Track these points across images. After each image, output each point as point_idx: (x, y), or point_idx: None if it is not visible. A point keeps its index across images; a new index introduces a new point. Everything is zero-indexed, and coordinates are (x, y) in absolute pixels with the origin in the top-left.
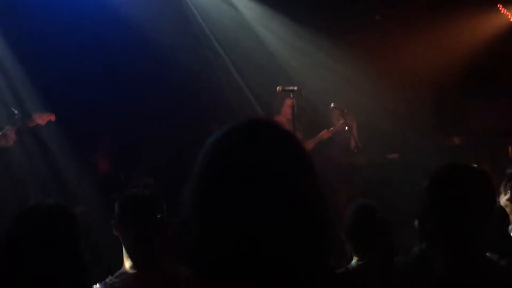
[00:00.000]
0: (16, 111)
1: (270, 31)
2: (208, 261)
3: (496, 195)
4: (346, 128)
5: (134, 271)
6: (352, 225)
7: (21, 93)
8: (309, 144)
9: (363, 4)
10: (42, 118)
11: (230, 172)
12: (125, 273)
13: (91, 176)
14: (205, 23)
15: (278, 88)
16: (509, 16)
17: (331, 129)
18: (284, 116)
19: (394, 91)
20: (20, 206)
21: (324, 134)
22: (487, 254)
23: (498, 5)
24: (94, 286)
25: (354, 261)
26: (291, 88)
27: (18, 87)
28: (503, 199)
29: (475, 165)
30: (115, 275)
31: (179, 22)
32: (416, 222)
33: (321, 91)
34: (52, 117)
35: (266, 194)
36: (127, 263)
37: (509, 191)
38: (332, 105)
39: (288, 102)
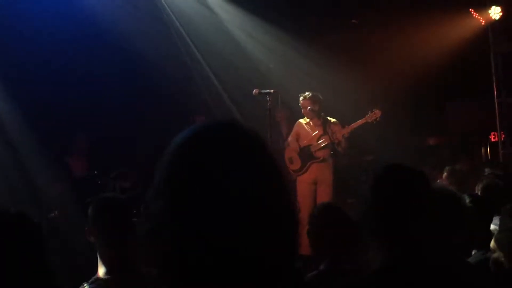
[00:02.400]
0: None
1: (247, 34)
2: (177, 265)
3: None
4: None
5: (108, 276)
6: (320, 226)
7: None
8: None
9: (341, 8)
10: None
11: (196, 172)
12: (100, 278)
13: (66, 179)
14: (182, 26)
15: (254, 91)
16: (481, 20)
17: (353, 124)
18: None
19: (371, 92)
20: None
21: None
22: (475, 251)
23: (470, 10)
24: None
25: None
26: (268, 91)
27: None
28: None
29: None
30: (89, 281)
31: (156, 25)
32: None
33: (298, 93)
34: None
35: (231, 197)
36: (101, 269)
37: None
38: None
39: (304, 103)
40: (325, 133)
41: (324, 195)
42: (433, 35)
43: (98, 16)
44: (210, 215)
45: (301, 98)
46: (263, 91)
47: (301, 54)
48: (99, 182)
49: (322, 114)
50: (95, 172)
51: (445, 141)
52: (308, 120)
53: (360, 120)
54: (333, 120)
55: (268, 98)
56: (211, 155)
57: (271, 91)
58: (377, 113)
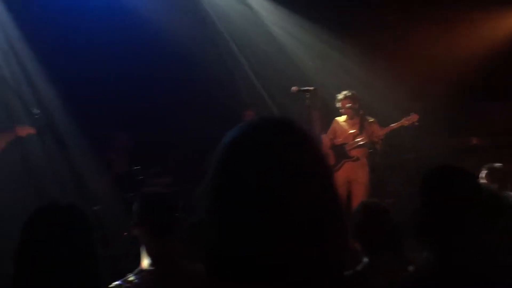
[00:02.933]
0: (36, 111)
1: (286, 32)
2: (222, 261)
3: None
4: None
5: (152, 268)
6: (360, 225)
7: (42, 93)
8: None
9: (379, 4)
10: (23, 131)
11: (245, 173)
12: (144, 270)
13: (108, 175)
14: (221, 23)
15: (293, 88)
16: None
17: (390, 127)
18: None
19: (410, 91)
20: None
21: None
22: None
23: None
24: (114, 283)
25: (363, 262)
26: (307, 88)
27: (39, 87)
28: None
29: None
30: (134, 272)
31: (195, 23)
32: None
33: (338, 91)
34: (33, 131)
35: (282, 196)
36: (145, 261)
37: None
38: (347, 105)
39: (344, 102)
40: (361, 132)
41: (359, 195)
42: (477, 32)
43: (140, 17)
44: (257, 215)
45: (340, 96)
46: (302, 88)
47: (340, 51)
48: (139, 177)
49: (361, 112)
50: (136, 168)
51: (488, 141)
52: (345, 118)
53: (397, 123)
54: (371, 119)
55: (307, 95)
56: (261, 154)
57: (311, 88)
58: (414, 117)
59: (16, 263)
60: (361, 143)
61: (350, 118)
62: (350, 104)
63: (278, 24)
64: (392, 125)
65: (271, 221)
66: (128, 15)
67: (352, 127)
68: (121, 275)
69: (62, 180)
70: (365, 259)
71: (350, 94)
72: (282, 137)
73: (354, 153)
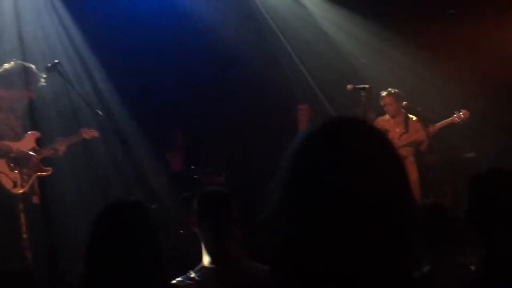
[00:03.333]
0: (100, 112)
1: (339, 28)
2: (293, 260)
3: None
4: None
5: (213, 266)
6: (423, 227)
7: (104, 95)
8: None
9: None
10: (87, 134)
11: (321, 172)
12: (204, 267)
13: (165, 174)
14: (274, 22)
15: (349, 86)
16: None
17: (439, 124)
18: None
19: (470, 87)
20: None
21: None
22: None
23: None
24: (176, 279)
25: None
26: (363, 86)
27: (101, 89)
28: None
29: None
30: (195, 269)
31: (248, 21)
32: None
33: (392, 88)
34: (96, 134)
35: (359, 198)
36: (206, 258)
37: None
38: (404, 103)
39: (387, 100)
40: (407, 130)
41: None
42: None
43: (193, 17)
44: (328, 214)
45: (384, 93)
46: (357, 86)
47: (395, 47)
48: (195, 176)
49: (404, 111)
50: (192, 166)
51: None
52: (388, 117)
53: (446, 120)
54: (414, 118)
55: (362, 94)
56: (337, 151)
57: (366, 86)
58: (465, 113)
59: (86, 258)
60: (405, 142)
61: (392, 116)
62: (393, 103)
63: (330, 20)
64: (441, 122)
65: (346, 220)
66: (182, 16)
67: (396, 126)
68: (177, 272)
69: (125, 178)
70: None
71: (394, 92)
72: (358, 135)
73: (401, 152)
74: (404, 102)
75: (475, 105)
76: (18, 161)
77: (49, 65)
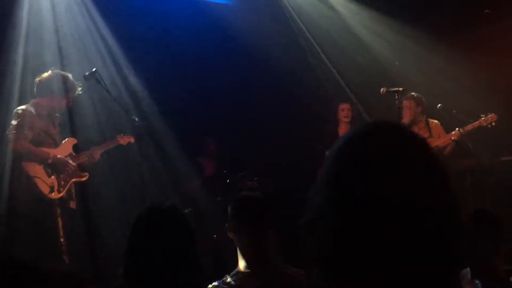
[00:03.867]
0: (136, 118)
1: (370, 31)
2: (338, 265)
3: None
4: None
5: (248, 270)
6: (468, 234)
7: (140, 101)
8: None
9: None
10: (124, 140)
11: (366, 176)
12: (240, 272)
13: (199, 179)
14: (305, 26)
15: (382, 89)
16: None
17: (466, 127)
18: (406, 118)
19: (508, 88)
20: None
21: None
22: None
23: None
24: (212, 283)
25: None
26: (396, 89)
27: (137, 95)
28: None
29: None
30: (231, 273)
31: (279, 25)
32: None
33: (427, 91)
34: (132, 139)
35: (404, 202)
36: (242, 263)
37: None
38: (439, 106)
39: (407, 103)
40: (431, 135)
41: None
42: None
43: (226, 23)
44: (369, 217)
45: (405, 97)
46: (391, 89)
47: (429, 49)
48: (228, 181)
49: (424, 116)
50: (224, 171)
51: None
52: (409, 122)
53: (473, 123)
54: (435, 121)
55: (396, 97)
56: (376, 156)
57: (400, 89)
58: (493, 117)
59: (125, 263)
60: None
61: (410, 120)
62: (415, 107)
63: (362, 23)
64: (469, 125)
65: (391, 224)
66: (215, 23)
67: (418, 130)
68: (213, 276)
69: (160, 183)
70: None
71: (416, 95)
72: (402, 140)
73: None
74: (439, 105)
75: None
76: (55, 167)
77: (87, 73)
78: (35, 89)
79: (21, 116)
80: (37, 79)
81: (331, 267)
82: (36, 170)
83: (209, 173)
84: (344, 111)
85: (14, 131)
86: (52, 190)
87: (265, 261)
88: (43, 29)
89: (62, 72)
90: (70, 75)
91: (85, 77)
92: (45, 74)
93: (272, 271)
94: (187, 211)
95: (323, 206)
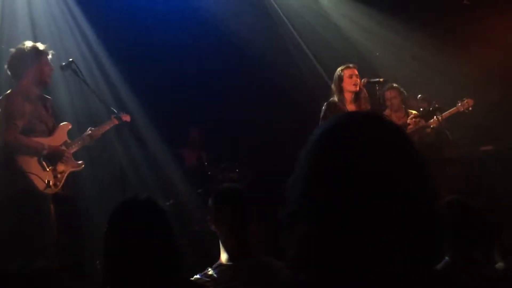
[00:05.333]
0: (115, 110)
1: (351, 22)
2: (313, 258)
3: None
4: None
5: (230, 263)
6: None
7: (118, 91)
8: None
9: None
10: (124, 117)
11: (341, 168)
12: (222, 265)
13: (179, 170)
14: (286, 16)
15: (363, 80)
16: None
17: (443, 114)
18: (391, 109)
19: (485, 78)
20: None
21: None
22: None
23: None
24: (194, 276)
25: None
26: (377, 80)
27: (117, 87)
28: None
29: None
30: (213, 266)
31: (261, 16)
32: None
33: (408, 81)
34: (128, 118)
35: (378, 192)
36: (223, 256)
37: None
38: (419, 96)
39: (388, 94)
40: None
41: None
42: None
43: (207, 14)
44: (346, 205)
45: (387, 87)
46: (371, 80)
47: (409, 38)
48: (209, 173)
49: (403, 106)
50: (205, 163)
51: None
52: (389, 112)
53: (451, 110)
54: (413, 112)
55: (377, 87)
56: (350, 147)
57: (380, 79)
58: (469, 101)
59: (104, 257)
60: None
61: (394, 111)
62: (395, 97)
63: (343, 13)
64: (446, 112)
65: (367, 214)
66: (195, 13)
67: (398, 120)
68: (195, 269)
69: (141, 175)
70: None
71: (396, 86)
72: (374, 128)
73: None
74: (419, 95)
75: (491, 97)
76: (51, 158)
77: (63, 64)
78: (10, 73)
79: (9, 104)
80: (7, 60)
81: (307, 260)
82: (31, 165)
83: (191, 163)
84: (352, 78)
85: (4, 123)
86: (48, 185)
87: (247, 254)
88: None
89: (26, 42)
90: (38, 43)
91: (61, 68)
92: (13, 52)
93: (254, 264)
94: (168, 203)
95: (300, 198)
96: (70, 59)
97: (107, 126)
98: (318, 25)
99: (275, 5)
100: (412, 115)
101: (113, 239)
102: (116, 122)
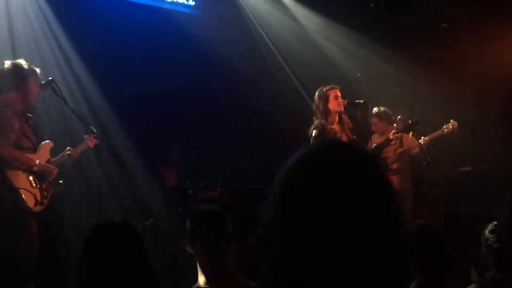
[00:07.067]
0: (94, 129)
1: (332, 43)
2: (285, 281)
3: None
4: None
5: (207, 286)
6: (414, 248)
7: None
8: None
9: (429, 12)
10: (92, 142)
11: (312, 197)
12: (200, 287)
13: (160, 189)
14: (267, 36)
15: (343, 101)
16: None
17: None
18: (377, 132)
19: (464, 99)
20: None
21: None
22: None
23: None
24: None
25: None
26: (357, 101)
27: (95, 105)
28: None
29: None
30: None
31: (241, 35)
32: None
33: (388, 102)
34: (97, 141)
35: (349, 222)
36: (201, 278)
37: None
38: (398, 117)
39: (371, 121)
40: (400, 144)
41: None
42: None
43: (189, 32)
44: (310, 233)
45: (369, 115)
46: (352, 101)
47: (389, 61)
48: (189, 192)
49: (389, 126)
50: (186, 182)
51: None
52: (377, 135)
53: (436, 132)
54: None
55: (357, 109)
56: (321, 178)
57: (361, 101)
58: (453, 124)
59: (77, 278)
60: (400, 153)
61: (381, 134)
62: (378, 122)
63: (325, 36)
64: (431, 134)
65: (335, 241)
66: (178, 31)
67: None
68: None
69: (119, 194)
70: (417, 279)
71: (378, 112)
72: (350, 159)
73: (395, 165)
74: (399, 117)
75: (469, 118)
76: (40, 175)
77: (43, 82)
78: None
79: (3, 116)
80: None
81: (279, 281)
82: (20, 180)
83: (172, 183)
84: (338, 99)
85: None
86: (37, 202)
87: (224, 277)
88: None
89: (16, 61)
90: (22, 61)
91: (41, 86)
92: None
93: (232, 285)
94: (147, 222)
95: (271, 222)
96: (50, 78)
97: (82, 148)
98: (300, 46)
99: (258, 26)
100: (393, 131)
101: (87, 263)
102: (89, 144)
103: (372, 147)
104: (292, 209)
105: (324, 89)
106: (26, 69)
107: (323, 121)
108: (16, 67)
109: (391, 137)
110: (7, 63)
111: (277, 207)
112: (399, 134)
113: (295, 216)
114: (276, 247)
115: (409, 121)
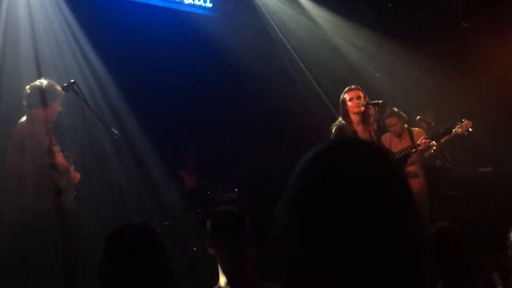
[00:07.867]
0: (115, 131)
1: (351, 44)
2: (301, 281)
3: None
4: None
5: (229, 286)
6: (433, 250)
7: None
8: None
9: (449, 12)
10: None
11: (326, 195)
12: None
13: (179, 191)
14: (285, 37)
15: (362, 102)
16: None
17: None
18: (394, 134)
19: (485, 100)
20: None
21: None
22: None
23: None
24: None
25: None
26: (376, 102)
27: (117, 108)
28: None
29: None
30: None
31: (258, 36)
32: None
33: (407, 103)
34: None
35: (364, 219)
36: (222, 279)
37: None
38: (418, 117)
39: (388, 122)
40: (413, 144)
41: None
42: None
43: (207, 34)
44: (329, 234)
45: (387, 114)
46: (370, 102)
47: (408, 61)
48: (207, 193)
49: (405, 128)
50: (204, 183)
51: None
52: (390, 136)
53: (448, 135)
54: (416, 129)
55: (376, 109)
56: (337, 173)
57: (380, 101)
58: (467, 123)
59: (99, 281)
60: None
61: (396, 136)
62: (397, 122)
63: (343, 37)
64: (444, 138)
65: (352, 241)
66: (196, 33)
67: (401, 143)
68: None
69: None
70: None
71: (396, 111)
72: (362, 156)
73: (410, 168)
74: (418, 117)
75: (489, 119)
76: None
77: (65, 84)
78: (25, 102)
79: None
80: (27, 90)
81: (296, 283)
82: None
83: (190, 185)
84: (353, 100)
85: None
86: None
87: (244, 277)
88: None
89: (50, 81)
90: (54, 82)
91: (63, 88)
92: (29, 87)
93: (252, 286)
94: (166, 223)
95: (287, 222)
96: (72, 80)
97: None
98: (317, 46)
99: (274, 26)
100: (423, 137)
101: (108, 264)
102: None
103: (399, 152)
104: (306, 210)
105: (344, 91)
106: (57, 90)
107: (343, 121)
108: (50, 88)
109: (419, 142)
110: (43, 82)
111: (291, 207)
112: (429, 141)
113: (309, 218)
114: (291, 248)
115: (441, 130)
